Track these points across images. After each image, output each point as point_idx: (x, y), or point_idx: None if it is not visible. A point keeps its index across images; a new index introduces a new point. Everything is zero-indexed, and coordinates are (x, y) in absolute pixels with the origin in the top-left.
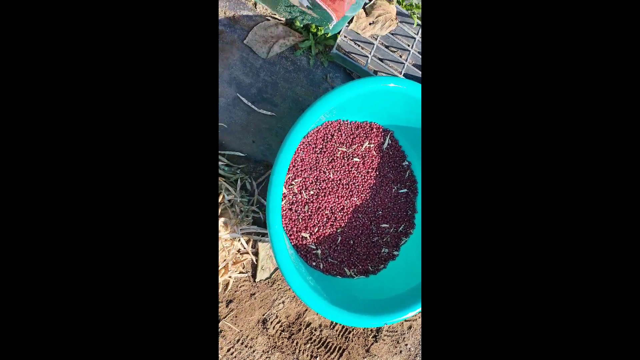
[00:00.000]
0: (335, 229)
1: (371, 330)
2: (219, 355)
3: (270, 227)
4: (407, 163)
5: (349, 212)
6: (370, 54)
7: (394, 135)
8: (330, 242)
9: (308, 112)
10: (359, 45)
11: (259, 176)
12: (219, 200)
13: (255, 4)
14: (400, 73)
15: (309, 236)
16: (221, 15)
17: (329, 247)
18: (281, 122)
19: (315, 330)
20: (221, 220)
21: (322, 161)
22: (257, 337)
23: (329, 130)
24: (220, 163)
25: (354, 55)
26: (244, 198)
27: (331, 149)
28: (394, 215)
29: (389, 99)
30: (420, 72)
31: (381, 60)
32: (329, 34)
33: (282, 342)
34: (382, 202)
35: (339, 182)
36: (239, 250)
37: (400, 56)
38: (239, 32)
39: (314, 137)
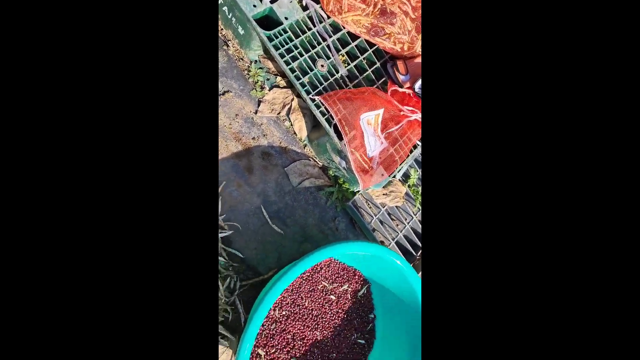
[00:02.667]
0: (289, 357)
1: None
2: None
3: (243, 340)
4: (372, 316)
5: (307, 344)
6: (375, 216)
7: (370, 288)
8: None
9: (317, 253)
10: (369, 206)
11: (244, 279)
12: None
13: (304, 146)
14: (393, 240)
15: (264, 355)
16: (276, 143)
17: None
18: (284, 242)
19: None
20: None
21: (304, 287)
22: None
23: (320, 263)
24: (220, 258)
25: (362, 211)
26: (225, 296)
27: (316, 279)
28: None
29: (376, 261)
30: (409, 245)
31: (381, 222)
32: (351, 190)
33: None
34: (339, 346)
35: (310, 311)
36: None
37: (397, 225)
38: (284, 160)
39: None
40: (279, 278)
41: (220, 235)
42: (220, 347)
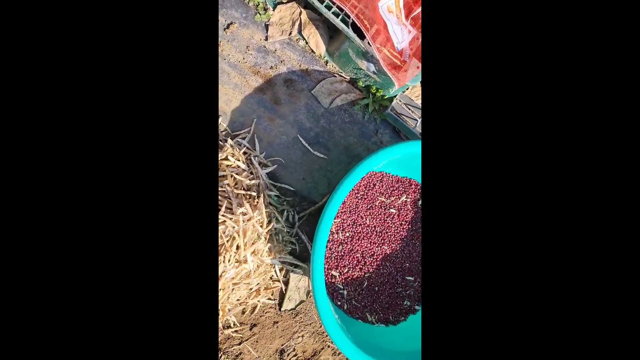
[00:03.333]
0: (363, 273)
1: None
2: None
3: (314, 261)
4: None
5: (378, 259)
6: (419, 118)
7: None
8: (357, 285)
9: (361, 165)
10: (410, 110)
11: (301, 210)
12: (270, 226)
13: (326, 62)
14: None
15: (338, 275)
16: (296, 67)
17: (354, 289)
18: (330, 166)
19: None
20: (267, 246)
21: (361, 207)
22: None
23: (372, 179)
24: (272, 193)
25: (404, 117)
26: (286, 229)
27: (371, 197)
28: (420, 270)
29: None
30: None
31: None
32: (386, 96)
33: None
34: (410, 255)
35: (373, 228)
36: (271, 277)
37: None
38: (309, 83)
39: (358, 183)
40: (331, 199)
41: (264, 171)
42: (295, 275)
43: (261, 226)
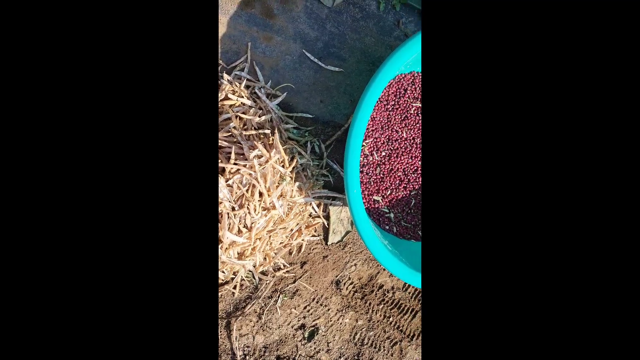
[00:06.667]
0: (408, 192)
1: None
2: (297, 312)
3: (348, 190)
4: None
5: None
6: None
7: None
8: (404, 205)
9: (384, 69)
10: None
11: (327, 138)
12: (293, 164)
13: None
14: None
15: (381, 199)
16: None
17: (402, 210)
18: (349, 79)
19: (387, 292)
20: (296, 185)
21: (395, 119)
22: (331, 297)
23: (402, 83)
24: (289, 126)
25: None
26: (314, 162)
27: (404, 105)
28: None
29: None
30: None
31: None
32: None
33: (356, 302)
34: None
35: (412, 141)
36: (310, 214)
37: None
38: None
39: (385, 93)
40: (355, 117)
41: (274, 103)
42: (335, 207)
43: (283, 166)
